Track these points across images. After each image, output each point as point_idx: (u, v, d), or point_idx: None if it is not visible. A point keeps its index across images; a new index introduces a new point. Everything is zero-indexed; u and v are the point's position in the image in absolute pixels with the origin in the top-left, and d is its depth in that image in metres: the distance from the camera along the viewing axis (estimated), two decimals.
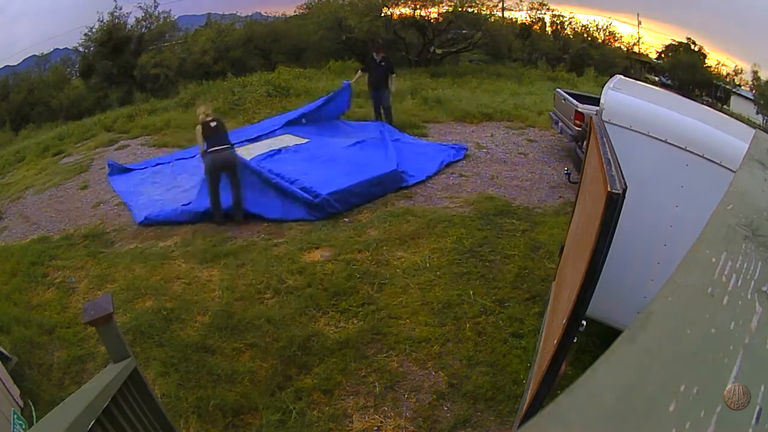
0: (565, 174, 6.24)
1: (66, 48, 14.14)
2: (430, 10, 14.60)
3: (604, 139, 2.23)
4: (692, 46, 14.54)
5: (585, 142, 3.16)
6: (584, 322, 1.81)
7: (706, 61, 14.40)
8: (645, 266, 2.78)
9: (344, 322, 3.78)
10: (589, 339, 3.04)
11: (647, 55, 15.77)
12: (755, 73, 13.40)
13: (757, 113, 13.13)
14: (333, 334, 3.65)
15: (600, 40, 16.21)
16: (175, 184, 6.46)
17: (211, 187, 5.31)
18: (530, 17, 16.08)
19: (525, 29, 15.91)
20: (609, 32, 16.19)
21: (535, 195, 5.97)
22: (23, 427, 2.82)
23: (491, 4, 14.96)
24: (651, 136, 2.67)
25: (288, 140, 7.16)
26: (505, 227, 5.10)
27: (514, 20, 16.01)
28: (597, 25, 16.24)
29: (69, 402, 1.54)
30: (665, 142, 2.65)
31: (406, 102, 10.18)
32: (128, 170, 7.11)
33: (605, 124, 2.64)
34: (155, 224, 5.52)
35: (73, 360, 3.61)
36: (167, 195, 6.16)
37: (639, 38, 15.80)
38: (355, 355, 3.44)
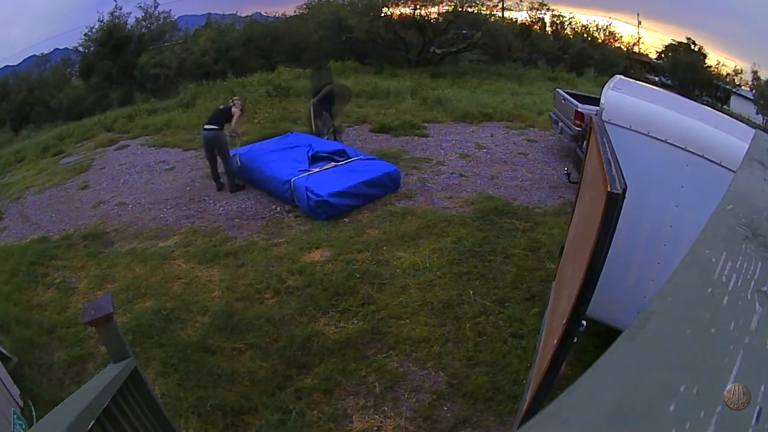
0: (565, 174, 6.24)
1: (66, 48, 14.15)
2: (430, 10, 14.61)
3: (604, 139, 2.23)
4: (692, 46, 14.55)
5: (585, 142, 3.16)
6: (584, 322, 1.81)
7: (706, 61, 14.41)
8: (645, 266, 2.78)
9: (344, 322, 3.78)
10: (589, 339, 3.04)
11: (647, 55, 15.78)
12: (755, 73, 13.41)
13: (757, 113, 13.13)
14: (333, 334, 3.65)
15: (600, 40, 16.23)
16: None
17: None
18: (530, 17, 16.09)
19: (525, 29, 15.92)
20: (609, 32, 16.21)
21: (535, 195, 5.97)
22: (23, 427, 2.82)
23: (491, 4, 14.98)
24: (651, 136, 2.67)
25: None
26: (505, 227, 5.10)
27: (514, 20, 16.02)
28: (597, 25, 16.26)
29: (69, 402, 1.54)
30: (665, 142, 2.65)
31: (406, 102, 10.18)
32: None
33: (605, 124, 2.64)
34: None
35: (73, 360, 3.61)
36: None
37: (639, 38, 15.81)
38: (355, 355, 3.43)
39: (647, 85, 4.40)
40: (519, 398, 2.89)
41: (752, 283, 0.52)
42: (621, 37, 16.15)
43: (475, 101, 10.01)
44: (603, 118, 2.71)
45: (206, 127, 6.16)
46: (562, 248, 3.16)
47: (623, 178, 1.69)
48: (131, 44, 13.96)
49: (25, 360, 3.60)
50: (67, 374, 3.50)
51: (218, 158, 6.26)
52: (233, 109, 6.32)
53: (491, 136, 8.31)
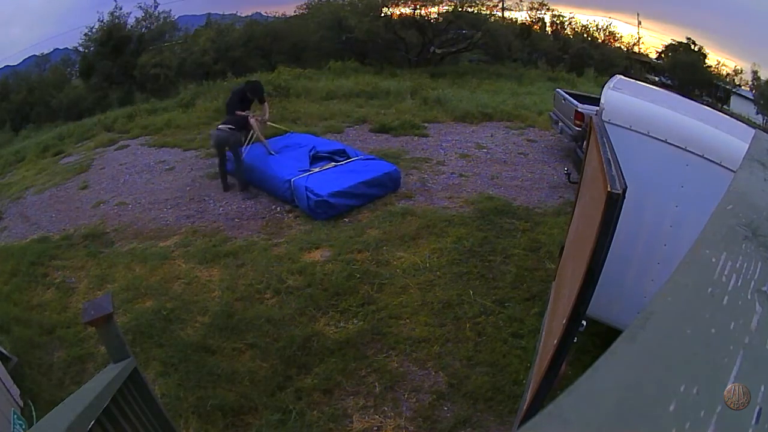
0: (565, 174, 6.24)
1: (66, 48, 14.14)
2: (430, 10, 14.60)
3: (604, 139, 2.23)
4: (692, 46, 14.55)
5: (585, 142, 3.16)
6: (584, 322, 1.81)
7: (706, 61, 14.40)
8: (645, 266, 2.78)
9: (344, 322, 3.78)
10: (589, 339, 3.04)
11: (647, 55, 15.78)
12: (755, 73, 13.41)
13: (757, 113, 13.13)
14: (333, 334, 3.65)
15: (600, 40, 16.22)
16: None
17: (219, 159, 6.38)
18: (530, 17, 16.09)
19: (525, 29, 15.91)
20: (609, 32, 16.21)
21: (535, 195, 5.97)
22: (23, 427, 2.82)
23: (491, 4, 14.97)
24: (651, 136, 2.67)
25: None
26: (505, 227, 5.10)
27: (514, 20, 16.01)
28: (597, 25, 16.25)
29: (69, 402, 1.54)
30: (665, 142, 2.65)
31: (406, 102, 10.18)
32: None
33: (605, 124, 2.64)
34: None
35: (73, 360, 3.61)
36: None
37: (639, 38, 15.81)
38: (355, 355, 3.44)
39: (647, 85, 4.41)
40: (519, 398, 2.89)
41: (752, 283, 0.52)
42: (621, 37, 16.15)
43: (475, 101, 10.00)
44: (603, 118, 2.71)
45: (221, 127, 6.21)
46: (562, 248, 3.16)
47: (623, 178, 1.69)
48: (131, 44, 13.94)
49: (25, 360, 3.60)
50: (67, 374, 3.50)
51: (229, 157, 6.30)
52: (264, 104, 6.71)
53: (491, 136, 8.30)
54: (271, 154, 6.35)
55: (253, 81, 7.44)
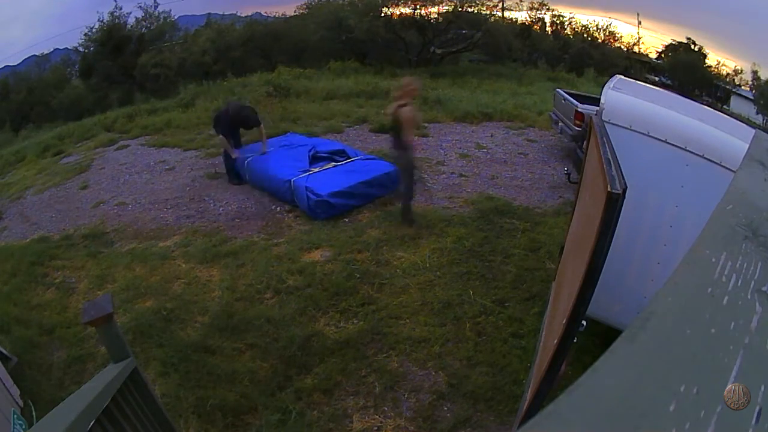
0: (565, 174, 6.24)
1: (66, 48, 14.16)
2: (430, 10, 14.62)
3: (604, 139, 2.23)
4: (692, 46, 14.56)
5: (585, 142, 3.16)
6: (584, 322, 1.81)
7: (706, 61, 14.42)
8: (645, 266, 2.78)
9: (344, 322, 3.78)
10: (589, 339, 3.04)
11: (647, 55, 15.80)
12: (755, 73, 13.42)
13: (757, 113, 13.14)
14: (333, 334, 3.65)
15: (600, 40, 16.25)
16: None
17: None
18: (530, 17, 16.11)
19: (525, 29, 15.93)
20: (609, 32, 16.23)
21: (535, 195, 5.97)
22: (23, 427, 2.82)
23: (491, 4, 15.00)
24: (651, 136, 2.67)
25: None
26: (505, 227, 5.10)
27: (514, 20, 16.03)
28: (597, 25, 16.29)
29: (69, 402, 1.54)
30: (665, 142, 2.65)
31: None
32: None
33: (605, 124, 2.64)
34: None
35: (73, 360, 3.61)
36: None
37: (639, 38, 15.83)
38: (355, 355, 3.43)
39: (647, 85, 4.40)
40: (519, 398, 2.89)
41: (752, 283, 0.52)
42: (621, 37, 16.19)
43: (475, 101, 10.01)
44: (603, 118, 2.71)
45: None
46: (562, 248, 3.16)
47: (623, 178, 1.69)
48: (131, 44, 13.96)
49: (25, 360, 3.60)
50: (67, 374, 3.50)
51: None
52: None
53: (491, 136, 8.31)
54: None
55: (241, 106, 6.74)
